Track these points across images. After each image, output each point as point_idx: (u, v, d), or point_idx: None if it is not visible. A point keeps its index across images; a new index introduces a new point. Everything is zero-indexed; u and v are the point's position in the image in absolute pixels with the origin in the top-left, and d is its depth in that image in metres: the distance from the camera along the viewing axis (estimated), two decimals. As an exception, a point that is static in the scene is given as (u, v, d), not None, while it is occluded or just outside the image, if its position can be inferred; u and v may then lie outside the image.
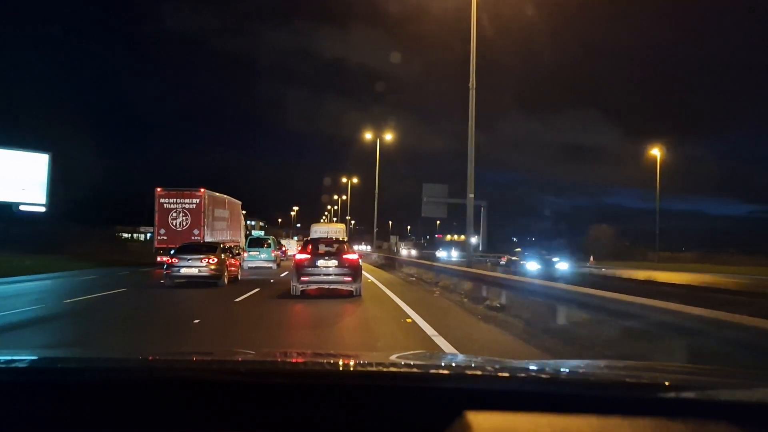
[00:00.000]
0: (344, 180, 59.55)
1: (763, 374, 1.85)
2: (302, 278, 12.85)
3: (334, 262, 12.96)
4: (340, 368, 1.72)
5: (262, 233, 44.41)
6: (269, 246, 28.14)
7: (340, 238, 16.24)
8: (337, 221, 59.76)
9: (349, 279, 12.89)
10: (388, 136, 39.07)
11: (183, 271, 15.70)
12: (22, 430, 1.37)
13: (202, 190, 24.41)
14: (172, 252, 17.00)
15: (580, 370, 1.93)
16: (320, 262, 12.95)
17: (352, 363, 1.83)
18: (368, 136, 39.20)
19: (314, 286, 13.07)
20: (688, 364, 2.06)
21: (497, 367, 1.82)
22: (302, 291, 12.90)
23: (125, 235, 69.58)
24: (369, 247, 53.55)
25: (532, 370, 1.77)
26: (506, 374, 1.70)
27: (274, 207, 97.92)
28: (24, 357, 1.87)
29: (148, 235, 64.76)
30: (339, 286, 12.96)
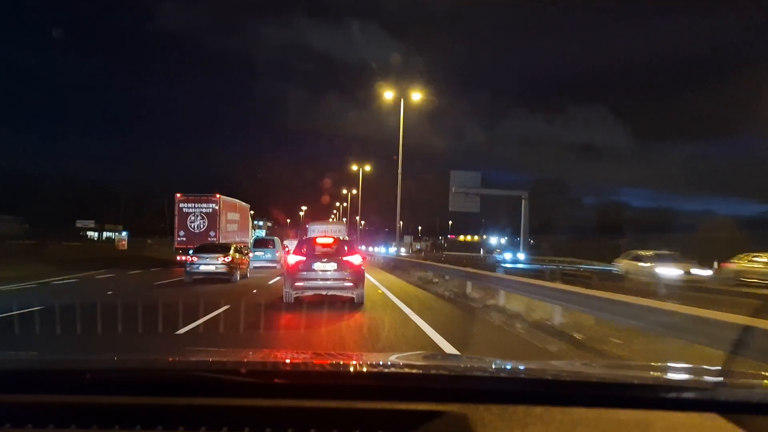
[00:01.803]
0: (355, 168, 52.80)
1: (764, 374, 1.97)
2: (296, 284, 11.48)
3: (332, 265, 11.53)
4: (341, 369, 1.73)
5: (263, 233, 45.89)
6: (273, 246, 29.85)
7: (340, 238, 15.14)
8: (346, 221, 55.92)
9: (350, 284, 11.48)
10: (416, 95, 30.81)
11: (202, 268, 18.07)
12: (23, 430, 1.37)
13: (218, 195, 26.52)
14: (190, 251, 19.46)
15: (582, 371, 1.95)
16: (317, 265, 11.53)
17: (352, 363, 1.84)
18: (389, 94, 30.91)
19: (310, 293, 11.68)
20: (688, 364, 2.12)
21: (498, 367, 1.86)
22: (296, 298, 11.53)
23: (91, 234, 63.33)
24: (397, 249, 40.29)
25: (533, 371, 1.77)
26: (507, 375, 1.74)
27: (282, 207, 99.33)
28: (25, 357, 1.93)
29: (108, 234, 56.99)
30: (338, 293, 11.56)
